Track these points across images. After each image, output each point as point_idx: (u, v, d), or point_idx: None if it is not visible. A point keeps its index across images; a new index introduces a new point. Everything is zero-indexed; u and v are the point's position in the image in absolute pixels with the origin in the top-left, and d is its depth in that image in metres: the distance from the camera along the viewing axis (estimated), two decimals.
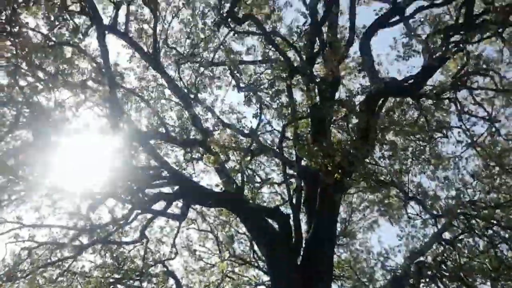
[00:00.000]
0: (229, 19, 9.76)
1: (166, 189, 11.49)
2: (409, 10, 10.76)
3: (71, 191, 11.00)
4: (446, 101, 12.55)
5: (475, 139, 12.87)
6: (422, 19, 11.00)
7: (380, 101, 10.80)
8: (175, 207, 12.73)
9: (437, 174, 13.38)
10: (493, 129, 12.70)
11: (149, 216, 12.45)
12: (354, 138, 9.61)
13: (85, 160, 10.59)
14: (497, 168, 12.79)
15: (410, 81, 10.95)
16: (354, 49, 11.69)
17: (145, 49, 12.79)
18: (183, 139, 13.00)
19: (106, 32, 9.42)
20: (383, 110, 11.31)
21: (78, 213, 11.90)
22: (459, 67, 12.09)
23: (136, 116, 14.47)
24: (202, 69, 13.39)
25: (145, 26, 12.99)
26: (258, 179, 14.09)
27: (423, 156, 12.75)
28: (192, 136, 13.50)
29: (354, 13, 9.86)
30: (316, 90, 10.24)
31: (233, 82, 11.68)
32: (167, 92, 14.28)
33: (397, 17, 10.80)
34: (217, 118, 12.73)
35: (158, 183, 11.03)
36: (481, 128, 13.16)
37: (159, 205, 11.73)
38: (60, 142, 10.05)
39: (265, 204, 14.90)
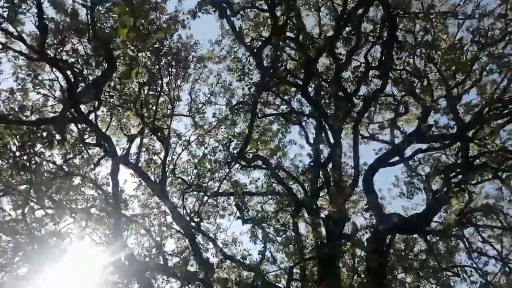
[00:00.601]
0: (239, 159, 10.20)
1: None
2: (408, 151, 11.48)
3: None
4: (453, 238, 12.32)
5: (489, 279, 12.22)
6: (421, 160, 11.59)
7: (388, 239, 10.62)
8: None
9: None
10: (507, 269, 12.19)
11: None
12: (365, 280, 9.08)
13: None
14: None
15: (416, 219, 10.94)
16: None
17: (152, 178, 13.13)
18: (182, 272, 12.30)
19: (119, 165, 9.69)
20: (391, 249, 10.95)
21: None
22: (462, 205, 12.29)
23: (135, 243, 14.04)
24: (206, 198, 13.50)
25: (155, 157, 13.63)
26: None
27: None
28: (191, 266, 12.86)
29: (358, 155, 10.36)
30: (323, 227, 10.09)
31: (238, 214, 11.54)
32: (169, 218, 14.14)
33: (397, 157, 11.35)
34: (220, 250, 12.32)
35: None
36: (493, 267, 12.51)
37: None
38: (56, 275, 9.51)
39: None
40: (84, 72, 7.20)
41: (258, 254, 10.43)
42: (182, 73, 11.91)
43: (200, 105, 12.95)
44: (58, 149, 10.60)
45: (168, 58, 11.21)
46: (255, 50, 9.56)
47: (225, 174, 13.28)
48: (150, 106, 11.72)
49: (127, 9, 3.34)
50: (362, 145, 13.45)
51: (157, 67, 10.76)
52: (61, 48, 6.87)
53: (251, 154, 13.43)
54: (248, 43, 9.92)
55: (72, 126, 9.34)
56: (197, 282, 12.01)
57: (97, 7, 5.85)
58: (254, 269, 10.80)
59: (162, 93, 11.96)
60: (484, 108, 9.60)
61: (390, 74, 9.49)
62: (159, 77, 11.19)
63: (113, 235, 9.70)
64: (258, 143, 13.34)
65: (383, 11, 8.76)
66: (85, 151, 10.87)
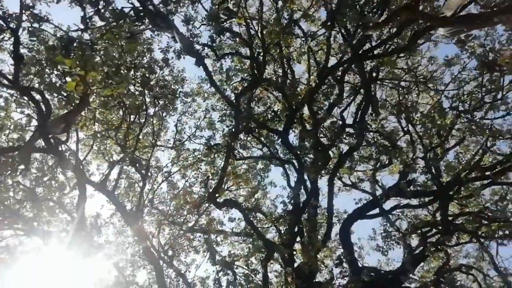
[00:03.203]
0: (210, 202, 10.05)
1: None
2: (389, 204, 11.35)
3: None
4: None
5: None
6: (400, 214, 11.42)
7: None
8: None
9: None
10: None
11: None
12: None
13: None
14: None
15: (391, 275, 10.68)
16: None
17: (129, 206, 12.92)
18: None
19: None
20: None
21: None
22: (441, 263, 12.02)
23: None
24: (182, 232, 13.24)
25: (135, 185, 13.45)
26: None
27: None
28: None
29: (332, 208, 10.21)
30: (294, 277, 9.78)
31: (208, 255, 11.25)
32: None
33: (376, 210, 11.19)
34: (188, 286, 11.97)
35: None
36: None
37: None
38: None
39: None
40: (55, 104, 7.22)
41: None
42: (169, 106, 11.93)
43: (184, 138, 12.91)
44: (21, 178, 10.43)
45: (156, 90, 11.26)
46: (233, 98, 9.68)
47: (203, 209, 13.12)
48: (132, 136, 11.65)
49: (77, 62, 3.30)
50: (343, 192, 13.39)
51: (142, 98, 10.77)
52: (35, 78, 6.89)
53: (230, 192, 13.31)
54: (226, 91, 10.07)
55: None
56: None
57: (73, 44, 5.90)
58: None
59: (146, 123, 11.95)
60: (463, 170, 9.55)
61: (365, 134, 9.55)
62: (144, 108, 11.19)
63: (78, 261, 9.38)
64: (240, 180, 13.22)
65: (359, 77, 8.93)
66: (56, 178, 10.64)
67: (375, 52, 8.54)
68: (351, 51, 8.04)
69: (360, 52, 8.05)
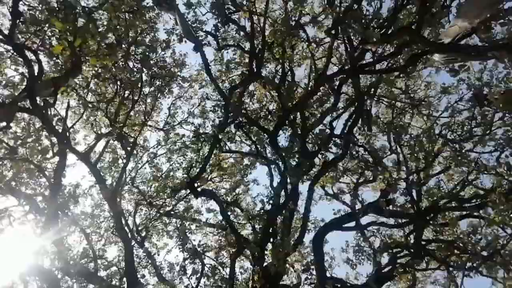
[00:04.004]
0: (189, 189, 10.04)
1: None
2: (367, 219, 11.42)
3: None
4: None
5: None
6: (375, 231, 11.51)
7: None
8: None
9: None
10: None
11: None
12: None
13: None
14: None
15: None
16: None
17: (110, 181, 12.85)
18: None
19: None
20: None
21: None
22: (407, 285, 12.15)
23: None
24: (158, 214, 13.22)
25: (120, 161, 13.37)
26: None
27: None
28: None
29: (308, 213, 10.26)
30: (260, 276, 9.82)
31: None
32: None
33: (353, 223, 11.25)
34: (156, 269, 11.97)
35: None
36: None
37: None
38: None
39: None
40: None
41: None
42: (165, 87, 11.87)
43: (176, 123, 12.86)
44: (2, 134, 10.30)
45: (154, 69, 11.19)
46: (225, 91, 9.66)
47: (183, 196, 13.09)
48: (123, 111, 11.58)
49: (69, 27, 3.26)
50: (324, 201, 13.46)
51: (138, 76, 10.70)
52: (32, 37, 6.79)
53: (213, 183, 13.30)
54: (224, 83, 10.04)
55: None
56: None
57: (75, 9, 5.81)
58: None
59: (139, 101, 11.88)
60: (442, 198, 9.65)
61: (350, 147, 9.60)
62: (139, 86, 11.11)
63: (46, 228, 9.31)
64: (223, 173, 13.23)
65: (354, 90, 8.96)
66: (40, 141, 10.53)
67: (372, 68, 8.57)
68: (350, 62, 8.07)
69: (357, 65, 8.07)
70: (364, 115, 9.15)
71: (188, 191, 10.44)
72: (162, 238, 13.73)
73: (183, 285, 11.45)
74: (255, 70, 9.04)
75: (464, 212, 10.42)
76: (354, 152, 9.60)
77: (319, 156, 10.18)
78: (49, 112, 7.88)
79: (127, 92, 11.68)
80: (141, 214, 14.03)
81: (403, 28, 5.90)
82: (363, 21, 6.82)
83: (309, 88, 9.57)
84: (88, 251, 12.26)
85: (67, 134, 11.04)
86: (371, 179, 12.04)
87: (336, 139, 9.78)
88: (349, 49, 7.97)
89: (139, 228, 13.25)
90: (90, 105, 10.64)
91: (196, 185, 9.81)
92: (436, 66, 8.49)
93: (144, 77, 10.99)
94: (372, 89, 10.64)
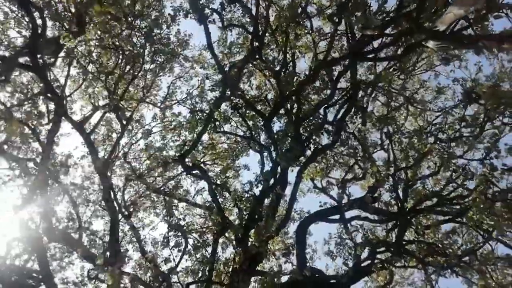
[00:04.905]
0: (179, 163, 10.15)
1: None
2: (349, 214, 11.59)
3: None
4: None
5: None
6: (358, 226, 11.71)
7: None
8: None
9: None
10: None
11: None
12: None
13: None
14: None
15: (335, 281, 10.94)
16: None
17: (102, 154, 12.90)
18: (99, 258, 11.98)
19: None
20: None
21: None
22: (384, 282, 12.38)
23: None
24: (147, 192, 13.31)
25: (114, 135, 13.44)
26: None
27: None
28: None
29: (293, 200, 10.41)
30: (241, 257, 9.97)
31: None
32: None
33: (337, 216, 11.43)
34: (139, 243, 12.11)
35: None
36: None
37: None
38: None
39: None
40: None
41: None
42: (166, 64, 11.94)
43: (174, 102, 12.94)
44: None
45: (157, 45, 11.26)
46: (225, 69, 9.76)
47: (175, 175, 13.20)
48: (122, 85, 11.64)
49: None
50: (313, 194, 13.61)
51: (141, 50, 10.76)
52: None
53: (204, 166, 13.40)
54: (220, 59, 10.12)
55: None
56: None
57: None
58: (163, 275, 10.56)
59: (139, 76, 11.95)
60: (426, 199, 9.85)
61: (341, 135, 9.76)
62: (141, 61, 11.18)
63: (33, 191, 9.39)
64: (216, 157, 13.34)
65: (350, 79, 9.09)
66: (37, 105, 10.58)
67: (370, 56, 8.70)
68: (349, 49, 8.20)
69: (357, 51, 8.20)
70: (359, 110, 9.28)
71: (180, 169, 10.51)
72: (149, 216, 13.83)
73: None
74: (256, 50, 9.11)
75: (447, 217, 10.64)
76: (344, 138, 9.74)
77: (311, 143, 10.30)
78: (48, 74, 7.94)
79: (128, 66, 11.76)
80: (131, 190, 14.12)
81: (404, 15, 6.03)
82: (366, 12, 6.95)
83: (309, 74, 9.67)
84: (73, 215, 12.38)
85: (65, 101, 11.11)
86: (360, 176, 12.23)
87: (328, 126, 9.93)
88: (350, 37, 8.07)
89: (127, 204, 13.34)
90: (90, 75, 10.69)
91: (186, 160, 9.92)
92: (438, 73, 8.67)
93: (146, 52, 11.05)
94: (370, 88, 10.76)
